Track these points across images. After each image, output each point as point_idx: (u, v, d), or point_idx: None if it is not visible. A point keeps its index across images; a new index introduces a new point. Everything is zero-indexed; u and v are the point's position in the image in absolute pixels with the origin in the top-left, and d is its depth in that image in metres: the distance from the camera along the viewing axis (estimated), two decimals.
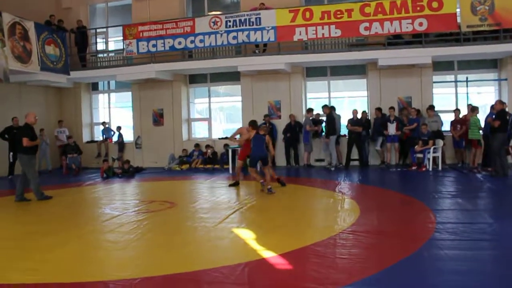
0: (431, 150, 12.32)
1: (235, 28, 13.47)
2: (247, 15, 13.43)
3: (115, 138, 16.42)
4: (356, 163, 13.70)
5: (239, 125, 15.39)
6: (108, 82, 17.61)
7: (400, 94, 13.92)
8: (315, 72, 15.13)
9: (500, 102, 10.98)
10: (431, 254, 4.94)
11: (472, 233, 5.70)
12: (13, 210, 9.10)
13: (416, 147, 12.58)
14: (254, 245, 5.54)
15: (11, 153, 13.65)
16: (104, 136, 16.47)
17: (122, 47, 14.96)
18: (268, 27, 13.20)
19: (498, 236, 5.65)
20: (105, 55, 17.23)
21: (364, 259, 4.95)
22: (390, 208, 7.75)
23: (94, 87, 17.69)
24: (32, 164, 9.55)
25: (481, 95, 14.60)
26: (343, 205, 8.03)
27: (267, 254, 5.11)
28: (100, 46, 17.57)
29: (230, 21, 13.51)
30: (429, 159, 12.36)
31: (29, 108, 14.93)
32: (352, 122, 13.40)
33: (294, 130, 14.08)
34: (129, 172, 13.59)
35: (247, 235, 6.00)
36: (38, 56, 13.63)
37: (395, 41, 13.11)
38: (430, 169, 12.26)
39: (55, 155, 15.97)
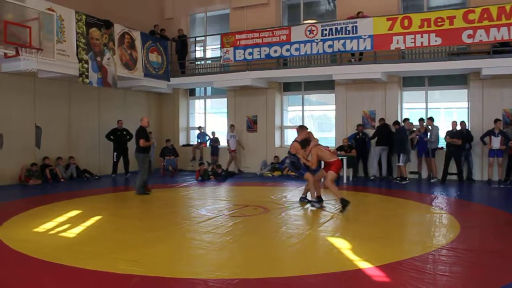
0: None
1: (331, 36, 13.44)
2: (344, 23, 13.35)
3: (209, 143, 17.00)
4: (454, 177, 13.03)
5: (331, 134, 15.36)
6: (205, 89, 18.34)
7: (506, 106, 13.06)
8: (412, 81, 14.67)
9: None
10: None
11: None
12: (118, 205, 9.86)
13: None
14: (349, 254, 5.48)
15: (115, 153, 14.67)
16: (199, 140, 17.13)
17: (219, 55, 15.52)
18: (365, 35, 13.02)
19: None
20: (203, 62, 17.96)
21: (466, 278, 4.72)
22: (493, 227, 7.32)
23: (192, 93, 18.50)
24: (146, 161, 10.77)
25: None
26: (441, 220, 7.69)
27: (363, 264, 5.04)
28: (199, 54, 18.35)
29: (326, 29, 13.51)
30: None
31: (132, 112, 16.08)
32: (451, 134, 12.78)
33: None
34: (221, 176, 14.02)
35: (342, 244, 5.95)
36: (142, 63, 14.57)
37: (502, 49, 12.34)
38: None
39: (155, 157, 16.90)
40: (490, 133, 12.45)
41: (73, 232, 6.77)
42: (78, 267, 5.00)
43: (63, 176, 13.47)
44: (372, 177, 13.82)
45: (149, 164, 11.10)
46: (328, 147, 9.67)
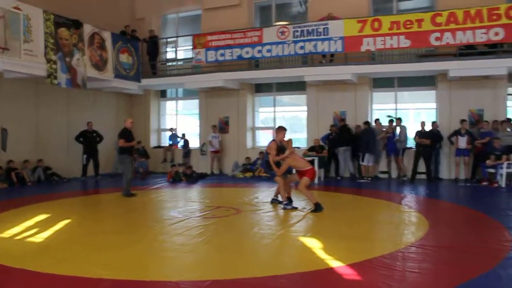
0: (505, 165, 11.75)
1: (302, 38, 13.54)
2: (315, 25, 13.47)
3: (180, 145, 16.93)
4: (423, 176, 13.32)
5: (303, 135, 15.46)
6: (176, 90, 18.21)
7: (472, 107, 13.42)
8: (382, 82, 14.91)
9: None
10: (509, 274, 4.72)
11: None
12: (87, 208, 9.70)
13: (487, 161, 12.06)
14: (321, 253, 5.52)
15: (85, 156, 14.41)
16: (171, 142, 17.00)
17: (191, 56, 15.44)
18: (336, 37, 13.17)
19: None
20: (175, 63, 17.84)
21: (435, 274, 4.81)
22: (460, 224, 7.48)
23: (163, 94, 18.35)
24: (127, 162, 10.68)
25: None
26: (410, 218, 7.84)
27: (334, 263, 5.08)
28: (170, 55, 18.22)
29: (297, 31, 13.60)
30: (502, 174, 11.80)
31: (102, 113, 15.85)
32: (421, 134, 13.03)
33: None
34: (192, 178, 13.93)
35: (314, 244, 5.99)
36: (113, 64, 14.37)
37: (468, 51, 12.67)
38: (503, 185, 11.69)
39: None
40: (457, 133, 12.77)
41: (41, 237, 6.60)
42: (47, 273, 4.87)
43: (30, 180, 13.16)
44: (339, 178, 13.99)
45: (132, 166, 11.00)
46: (299, 147, 9.75)
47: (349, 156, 14.02)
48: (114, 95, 16.79)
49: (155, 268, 5.17)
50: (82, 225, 7.67)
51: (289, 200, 8.88)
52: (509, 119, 12.67)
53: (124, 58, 14.99)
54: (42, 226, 7.33)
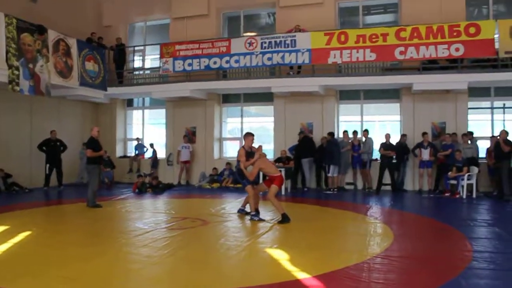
0: (465, 177, 12.08)
1: (270, 49, 13.64)
2: (283, 37, 13.59)
3: (147, 155, 16.71)
4: (388, 187, 13.54)
5: (270, 146, 15.48)
6: (143, 99, 17.99)
7: (434, 120, 13.78)
8: (348, 95, 15.14)
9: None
10: (470, 283, 4.82)
11: None
12: (50, 219, 9.41)
13: (449, 173, 12.38)
14: (288, 265, 5.52)
15: (48, 165, 14.03)
16: (137, 152, 16.76)
17: (158, 65, 15.32)
18: (303, 49, 13.32)
19: None
20: (142, 72, 17.64)
21: (400, 284, 4.88)
22: (424, 235, 7.64)
23: (129, 103, 18.10)
24: (94, 173, 10.51)
25: None
26: (376, 229, 7.94)
27: (301, 275, 5.09)
28: (137, 63, 18.02)
29: (265, 42, 13.70)
30: (463, 186, 12.12)
31: (67, 122, 15.53)
32: (385, 146, 13.27)
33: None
34: (158, 188, 13.76)
35: (280, 255, 5.98)
36: (78, 71, 14.08)
37: (431, 66, 13.04)
38: (464, 196, 12.02)
39: None
40: (420, 145, 13.07)
41: None
42: None
43: None
44: (305, 189, 14.10)
45: (99, 176, 10.78)
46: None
47: (313, 167, 14.19)
48: (79, 104, 16.44)
49: (119, 281, 5.06)
50: (43, 237, 7.44)
51: (257, 212, 8.86)
52: (470, 132, 13.06)
53: (90, 66, 14.72)
54: (0, 238, 7.06)
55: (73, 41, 13.90)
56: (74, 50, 13.91)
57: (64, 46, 13.53)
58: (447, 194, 12.33)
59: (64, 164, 14.48)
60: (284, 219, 8.31)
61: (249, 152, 8.90)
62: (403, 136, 13.53)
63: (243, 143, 9.35)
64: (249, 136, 9.19)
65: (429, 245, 6.76)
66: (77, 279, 5.02)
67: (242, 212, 9.30)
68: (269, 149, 15.58)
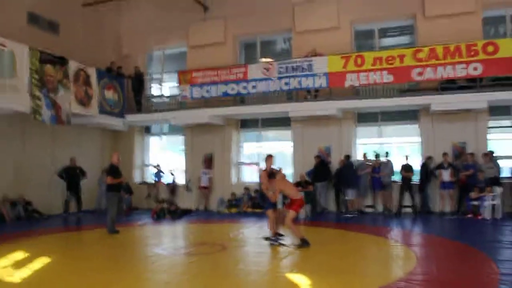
0: (489, 197, 11.80)
1: (287, 74, 13.71)
2: (299, 61, 13.67)
3: (165, 181, 16.73)
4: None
5: (289, 170, 15.37)
6: (161, 126, 18.15)
7: (454, 140, 13.56)
8: (366, 117, 15.04)
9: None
10: None
11: None
12: (69, 246, 9.42)
13: (471, 194, 12.11)
14: None
15: (68, 192, 14.17)
16: (156, 178, 16.81)
17: (176, 93, 15.50)
18: (320, 73, 13.36)
19: None
20: (160, 100, 17.84)
21: None
22: (448, 257, 7.41)
23: (147, 130, 18.27)
24: (113, 200, 10.50)
25: None
26: (398, 252, 7.77)
27: None
28: (156, 91, 18.26)
29: (282, 67, 13.80)
30: (485, 207, 11.82)
31: (86, 149, 15.73)
32: (406, 168, 13.08)
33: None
34: (176, 214, 13.73)
35: (301, 280, 5.87)
36: (97, 100, 14.35)
37: (449, 86, 12.93)
38: (488, 217, 11.69)
39: None
40: (440, 166, 12.85)
41: (19, 277, 6.38)
42: None
43: (9, 216, 12.84)
44: (319, 212, 13.93)
45: (120, 203, 10.79)
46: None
47: (329, 190, 14.15)
48: (99, 131, 16.67)
49: None
50: (63, 264, 7.46)
51: (277, 236, 8.75)
52: (490, 152, 12.80)
53: (110, 94, 14.99)
54: (20, 265, 7.10)
55: (92, 70, 14.22)
56: (93, 80, 14.22)
57: (84, 76, 13.84)
58: (469, 216, 12.03)
59: (83, 190, 14.60)
60: (303, 243, 8.18)
61: (270, 173, 8.86)
62: (428, 158, 13.32)
63: (263, 167, 9.31)
64: (269, 158, 9.19)
65: (453, 268, 6.56)
66: None
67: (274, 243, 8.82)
68: (288, 173, 15.46)
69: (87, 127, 15.68)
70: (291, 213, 8.44)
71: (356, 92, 14.35)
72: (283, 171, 9.40)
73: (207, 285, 5.87)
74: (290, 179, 14.64)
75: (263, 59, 15.63)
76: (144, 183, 17.45)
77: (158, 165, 17.06)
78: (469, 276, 6.01)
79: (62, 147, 14.98)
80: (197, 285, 5.89)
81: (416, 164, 13.62)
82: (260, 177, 9.05)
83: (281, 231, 8.87)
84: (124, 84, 15.91)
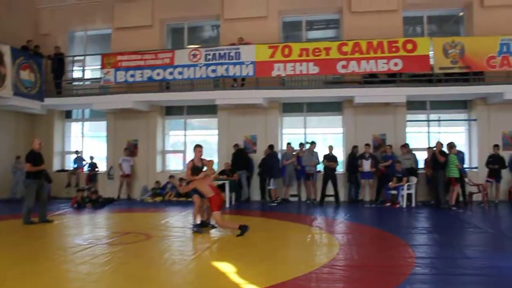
0: (405, 187, 12.48)
1: (214, 61, 13.59)
2: (227, 49, 13.60)
3: (86, 168, 16.06)
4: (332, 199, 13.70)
5: (214, 159, 15.25)
6: (83, 111, 17.35)
7: (375, 132, 14.19)
8: (291, 107, 15.30)
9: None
10: None
11: (453, 268, 5.74)
12: None
13: (390, 184, 12.74)
14: (236, 278, 5.40)
15: None
16: (76, 165, 16.10)
17: (99, 76, 14.87)
18: (247, 61, 13.37)
19: (479, 271, 5.67)
20: (82, 83, 17.02)
21: None
22: (368, 243, 7.76)
23: (68, 115, 17.41)
24: (32, 188, 9.81)
25: (452, 135, 14.95)
26: (322, 239, 7.99)
27: (249, 287, 4.99)
28: (77, 74, 17.39)
29: (209, 54, 13.66)
30: (403, 196, 12.50)
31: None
32: (328, 158, 13.47)
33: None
34: (98, 203, 13.24)
35: (227, 268, 5.85)
36: (12, 81, 13.39)
37: (371, 79, 13.45)
38: (404, 205, 12.39)
39: None
40: (362, 156, 13.38)
41: None
42: None
43: None
44: (244, 200, 14.14)
45: (41, 191, 10.01)
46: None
47: (246, 179, 14.30)
48: (13, 114, 15.59)
49: None
50: None
51: (201, 224, 8.69)
52: (407, 144, 13.50)
53: (26, 75, 14.05)
54: None
55: (7, 48, 13.23)
56: (7, 58, 13.24)
57: None
58: (388, 204, 12.66)
59: None
60: (243, 229, 8.09)
61: (196, 167, 8.74)
62: (354, 147, 13.76)
63: (192, 156, 9.21)
64: (197, 148, 9.09)
65: (374, 253, 6.87)
66: None
67: (208, 226, 8.92)
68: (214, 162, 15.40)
69: None
70: (216, 215, 8.30)
71: (282, 82, 14.53)
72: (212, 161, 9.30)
73: (130, 275, 5.67)
74: (215, 167, 14.66)
75: (191, 45, 15.36)
76: (63, 170, 16.64)
77: (78, 151, 16.35)
78: (389, 260, 6.30)
79: None
80: (120, 275, 5.69)
81: (339, 155, 14.08)
82: (187, 167, 8.90)
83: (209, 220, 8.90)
84: (42, 64, 14.98)
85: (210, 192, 8.49)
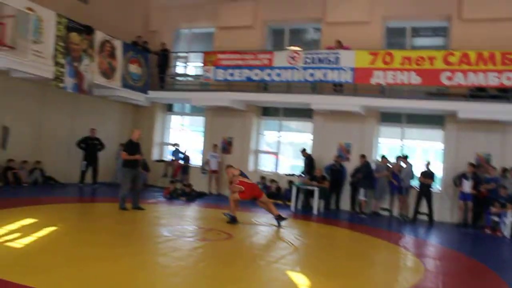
0: (509, 214, 11.36)
1: (313, 65, 13.43)
2: (326, 53, 13.36)
3: (180, 160, 16.68)
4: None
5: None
6: (183, 105, 18.09)
7: (479, 150, 13.12)
8: (389, 117, 14.67)
9: None
10: None
11: None
12: (77, 217, 9.47)
13: (492, 208, 11.69)
14: None
15: (85, 162, 14.24)
16: (174, 157, 16.78)
17: (200, 73, 15.37)
18: (346, 67, 13.04)
19: None
20: (184, 78, 17.74)
21: None
22: (458, 274, 7.10)
23: (170, 108, 18.24)
24: (127, 176, 10.31)
25: None
26: (406, 262, 7.54)
27: None
28: (180, 69, 18.15)
29: (308, 57, 13.51)
30: (506, 224, 11.40)
31: (107, 121, 15.78)
32: (425, 174, 12.72)
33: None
34: (190, 196, 13.67)
35: (301, 280, 5.70)
36: (121, 73, 14.30)
37: (479, 93, 12.47)
38: (508, 236, 11.15)
39: None
40: (463, 176, 12.45)
41: (21, 243, 6.36)
42: (15, 283, 4.61)
43: (26, 181, 12.99)
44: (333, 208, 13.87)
45: (136, 180, 10.52)
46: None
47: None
48: (120, 105, 16.67)
49: None
50: (67, 234, 7.45)
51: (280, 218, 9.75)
52: None
53: (134, 68, 14.94)
54: (25, 231, 7.08)
55: (118, 43, 14.16)
56: (119, 52, 14.16)
57: (110, 48, 13.79)
58: (487, 231, 11.62)
59: (101, 162, 14.68)
60: (232, 219, 9.52)
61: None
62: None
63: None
64: (229, 168, 10.60)
65: (462, 286, 6.30)
66: (88, 282, 4.91)
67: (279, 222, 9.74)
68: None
69: (108, 99, 15.69)
70: (235, 195, 9.73)
71: (381, 91, 13.98)
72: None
73: (203, 274, 5.73)
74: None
75: (291, 47, 15.31)
76: (161, 161, 17.46)
77: (176, 144, 17.02)
78: None
79: (82, 117, 15.05)
80: (193, 272, 5.77)
81: (437, 171, 13.27)
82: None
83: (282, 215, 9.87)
84: (148, 59, 15.84)
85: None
